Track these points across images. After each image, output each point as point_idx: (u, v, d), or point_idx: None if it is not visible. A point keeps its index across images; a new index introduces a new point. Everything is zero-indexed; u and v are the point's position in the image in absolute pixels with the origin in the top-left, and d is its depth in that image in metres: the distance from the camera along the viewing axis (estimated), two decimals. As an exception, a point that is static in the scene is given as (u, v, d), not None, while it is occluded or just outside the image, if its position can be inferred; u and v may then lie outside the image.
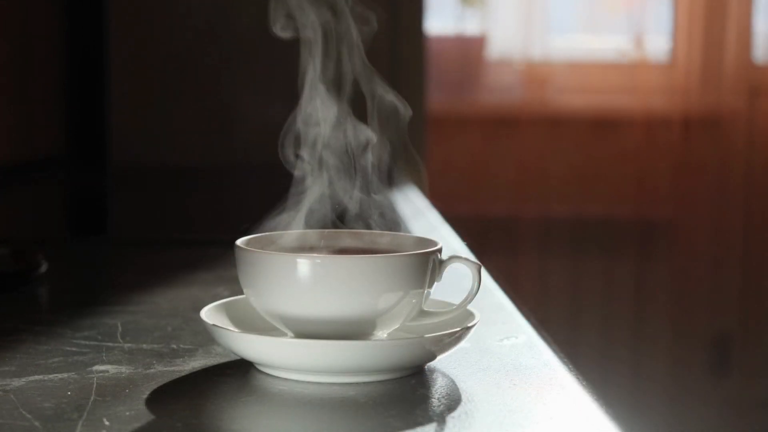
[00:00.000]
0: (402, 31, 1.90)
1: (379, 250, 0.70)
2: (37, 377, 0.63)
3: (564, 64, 2.68)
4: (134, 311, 0.82)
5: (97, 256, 1.14)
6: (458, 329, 0.65)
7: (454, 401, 0.60)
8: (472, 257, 0.75)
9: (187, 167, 1.88)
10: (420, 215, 1.34)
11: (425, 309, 0.68)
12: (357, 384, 0.62)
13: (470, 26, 2.69)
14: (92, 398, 0.59)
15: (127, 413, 0.57)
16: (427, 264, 0.66)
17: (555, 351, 0.70)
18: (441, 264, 0.67)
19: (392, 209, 0.75)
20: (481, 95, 2.68)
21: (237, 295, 0.71)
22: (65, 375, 0.64)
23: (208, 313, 0.67)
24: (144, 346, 0.71)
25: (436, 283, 0.67)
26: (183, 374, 0.65)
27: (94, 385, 0.62)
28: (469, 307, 0.68)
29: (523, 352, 0.70)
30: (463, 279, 0.68)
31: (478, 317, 0.67)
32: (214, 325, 0.65)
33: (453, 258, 0.67)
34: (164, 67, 1.90)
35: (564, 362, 0.67)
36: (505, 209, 2.67)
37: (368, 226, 0.73)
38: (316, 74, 0.72)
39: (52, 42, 1.85)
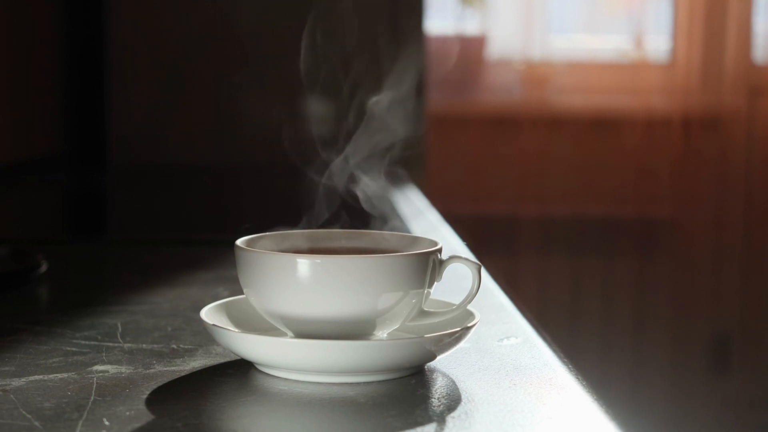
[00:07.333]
0: (402, 31, 1.90)
1: (378, 250, 0.70)
2: (37, 377, 0.63)
3: (564, 64, 2.68)
4: (134, 311, 0.82)
5: (97, 256, 1.14)
6: (458, 329, 0.65)
7: (454, 401, 0.60)
8: (472, 257, 0.75)
9: (187, 167, 1.88)
10: (420, 215, 1.34)
11: (425, 309, 0.68)
12: (357, 384, 0.62)
13: (470, 26, 2.69)
14: (92, 398, 0.59)
15: (127, 413, 0.57)
16: (427, 264, 0.66)
17: (555, 351, 0.70)
18: (441, 264, 0.67)
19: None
20: (481, 95, 2.68)
21: (237, 295, 0.71)
22: (65, 375, 0.64)
23: (208, 313, 0.67)
24: (144, 346, 0.71)
25: (436, 283, 0.67)
26: (183, 374, 0.65)
27: (94, 385, 0.62)
28: (469, 307, 0.68)
29: (522, 352, 0.70)
30: (463, 279, 0.68)
31: (478, 317, 0.67)
32: (214, 325, 0.65)
33: (453, 258, 0.67)
34: (164, 67, 1.90)
35: (564, 362, 0.67)
36: (505, 209, 2.66)
37: (368, 226, 0.73)
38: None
39: (52, 42, 1.85)
